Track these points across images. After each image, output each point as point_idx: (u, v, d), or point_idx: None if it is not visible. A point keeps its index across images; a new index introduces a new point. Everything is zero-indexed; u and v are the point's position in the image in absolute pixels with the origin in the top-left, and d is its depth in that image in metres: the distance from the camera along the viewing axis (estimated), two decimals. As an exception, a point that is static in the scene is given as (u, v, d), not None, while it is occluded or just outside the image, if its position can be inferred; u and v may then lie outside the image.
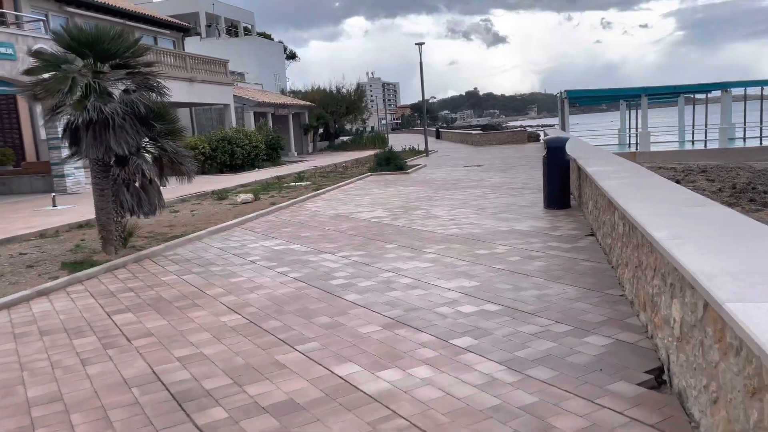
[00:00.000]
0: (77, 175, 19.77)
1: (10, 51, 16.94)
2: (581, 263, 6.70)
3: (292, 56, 79.70)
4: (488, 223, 9.74)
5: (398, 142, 50.14)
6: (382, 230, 9.67)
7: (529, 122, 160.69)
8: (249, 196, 14.20)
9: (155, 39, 30.16)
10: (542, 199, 11.17)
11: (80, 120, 7.62)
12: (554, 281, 6.03)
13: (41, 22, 19.65)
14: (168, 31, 30.61)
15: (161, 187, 8.79)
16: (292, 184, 18.08)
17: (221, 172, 25.36)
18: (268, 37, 71.84)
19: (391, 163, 20.56)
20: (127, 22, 27.38)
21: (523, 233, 8.69)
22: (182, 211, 13.29)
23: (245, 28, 55.16)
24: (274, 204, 13.54)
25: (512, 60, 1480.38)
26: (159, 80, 8.25)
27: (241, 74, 38.75)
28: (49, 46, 19.37)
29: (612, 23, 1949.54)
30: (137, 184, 8.47)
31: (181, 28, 31.72)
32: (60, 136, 19.61)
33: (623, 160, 10.25)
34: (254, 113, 32.61)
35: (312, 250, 8.40)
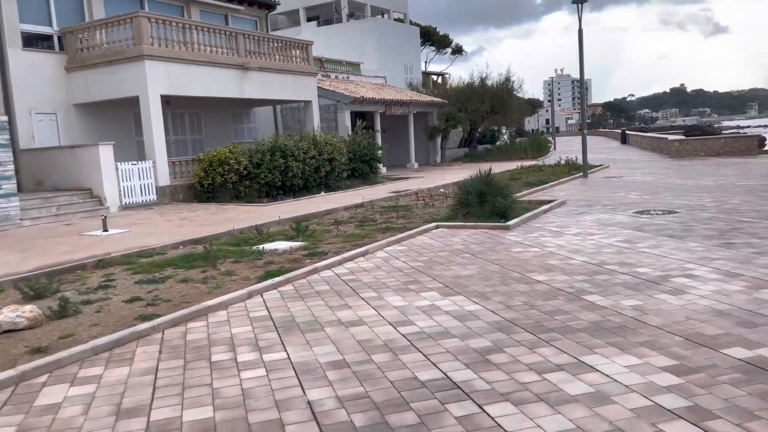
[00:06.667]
0: (6, 206, 13.09)
1: None
2: None
3: (457, 50, 70.76)
4: None
5: (567, 147, 38.99)
6: None
7: (747, 123, 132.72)
8: (27, 312, 5.74)
9: (226, 18, 23.34)
10: None
11: None
12: None
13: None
14: (242, 7, 23.60)
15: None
16: (267, 247, 9.29)
17: (268, 195, 17.51)
18: (434, 32, 63.01)
19: (487, 201, 10.85)
20: (177, -6, 20.76)
21: None
22: None
23: (397, 19, 46.63)
24: (70, 341, 4.99)
25: (732, 53, 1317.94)
26: None
27: (355, 64, 30.86)
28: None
29: None
30: None
31: (264, 4, 24.58)
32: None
33: None
34: (351, 113, 24.47)
35: None
